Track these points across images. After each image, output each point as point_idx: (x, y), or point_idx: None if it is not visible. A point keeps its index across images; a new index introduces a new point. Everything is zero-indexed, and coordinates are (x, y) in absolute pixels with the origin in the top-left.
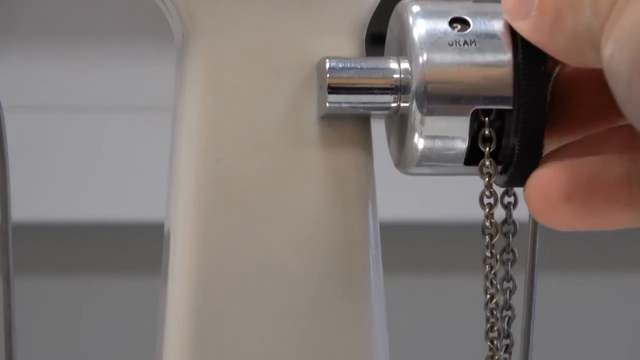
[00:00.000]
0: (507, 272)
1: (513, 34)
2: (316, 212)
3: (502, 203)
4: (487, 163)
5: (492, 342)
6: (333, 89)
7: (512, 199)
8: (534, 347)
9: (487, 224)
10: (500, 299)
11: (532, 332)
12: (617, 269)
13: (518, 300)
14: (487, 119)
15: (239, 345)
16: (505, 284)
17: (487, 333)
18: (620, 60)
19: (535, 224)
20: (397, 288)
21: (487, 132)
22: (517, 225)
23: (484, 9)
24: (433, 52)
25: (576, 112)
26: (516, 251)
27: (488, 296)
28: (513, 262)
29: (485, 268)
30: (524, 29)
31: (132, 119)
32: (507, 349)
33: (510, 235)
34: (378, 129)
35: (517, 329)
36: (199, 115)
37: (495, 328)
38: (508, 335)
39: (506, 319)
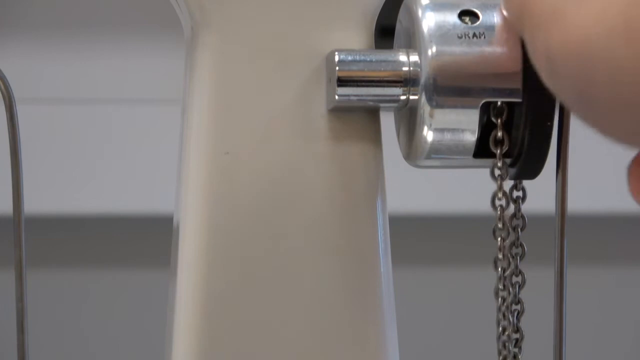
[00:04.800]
0: (516, 267)
1: None
2: (325, 204)
3: (510, 197)
4: (499, 164)
5: (503, 345)
6: (342, 82)
7: (520, 193)
8: (541, 343)
9: (499, 225)
10: (508, 302)
11: (564, 326)
12: (621, 263)
13: (533, 296)
14: (499, 120)
15: (248, 337)
16: (514, 279)
17: (499, 337)
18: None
19: (562, 218)
20: (407, 281)
21: (499, 134)
22: (526, 219)
23: (493, 1)
24: (442, 44)
25: None
26: (525, 245)
27: (500, 299)
28: (522, 256)
29: (497, 270)
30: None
31: (141, 112)
32: (517, 343)
33: (519, 230)
34: (387, 121)
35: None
36: (208, 108)
37: (507, 332)
38: (517, 330)
39: (515, 314)
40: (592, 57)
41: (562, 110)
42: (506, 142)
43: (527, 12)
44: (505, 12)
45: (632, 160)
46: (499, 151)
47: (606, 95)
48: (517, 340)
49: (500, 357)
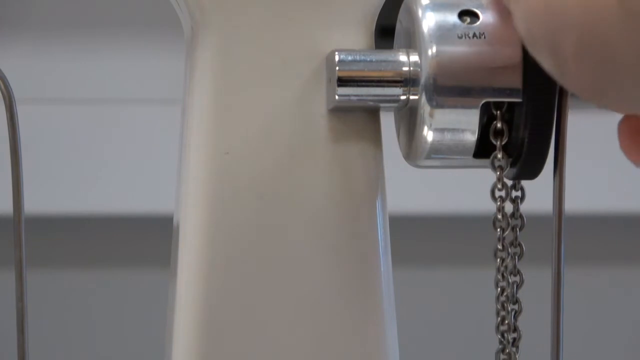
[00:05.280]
0: (514, 266)
1: None
2: (325, 205)
3: (509, 197)
4: (499, 156)
5: (502, 335)
6: (342, 82)
7: (519, 193)
8: (538, 343)
9: (499, 216)
10: (507, 292)
11: (561, 326)
12: (618, 263)
13: (531, 295)
14: (499, 112)
15: (248, 338)
16: (512, 278)
17: (497, 327)
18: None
19: (560, 218)
20: (406, 281)
21: (499, 125)
22: (525, 219)
23: (493, 1)
24: (442, 44)
25: None
26: (523, 245)
27: (499, 289)
28: (520, 255)
29: (497, 261)
30: None
31: (142, 111)
32: (515, 342)
33: (518, 229)
34: (387, 121)
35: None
36: (208, 108)
37: (506, 322)
38: (515, 329)
39: (513, 313)
40: (553, 15)
41: (560, 110)
42: (506, 132)
43: None
44: None
45: (622, 118)
46: (498, 142)
47: (570, 51)
48: (514, 339)
49: (500, 347)
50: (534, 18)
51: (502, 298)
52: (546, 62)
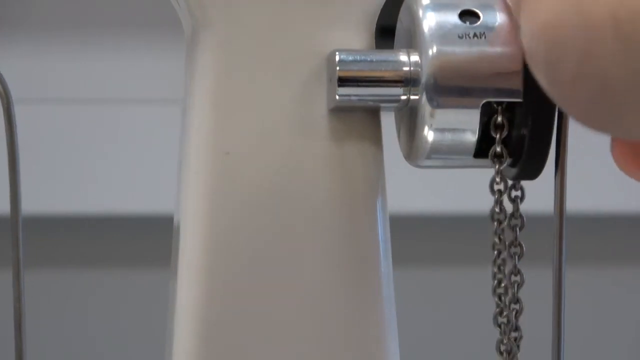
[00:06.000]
0: (514, 266)
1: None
2: (325, 205)
3: (509, 197)
4: (498, 149)
5: (500, 327)
6: (343, 82)
7: (519, 193)
8: (539, 343)
9: (497, 209)
10: (508, 292)
11: (562, 325)
12: (619, 263)
13: (532, 295)
14: (500, 107)
15: (249, 337)
16: (513, 278)
17: (495, 318)
18: (537, 54)
19: (561, 217)
20: (406, 281)
21: (499, 119)
22: (525, 219)
23: (493, 1)
24: (443, 44)
25: None
26: (524, 245)
27: (496, 281)
28: (520, 255)
29: (494, 253)
30: None
31: (142, 111)
32: (516, 341)
33: (518, 229)
34: (387, 121)
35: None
36: (209, 108)
37: (504, 313)
38: (517, 329)
39: (514, 312)
40: (554, 37)
41: (560, 110)
42: (506, 126)
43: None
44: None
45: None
46: (498, 136)
47: (566, 74)
48: (515, 339)
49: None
50: (535, 37)
51: (500, 290)
52: (543, 82)
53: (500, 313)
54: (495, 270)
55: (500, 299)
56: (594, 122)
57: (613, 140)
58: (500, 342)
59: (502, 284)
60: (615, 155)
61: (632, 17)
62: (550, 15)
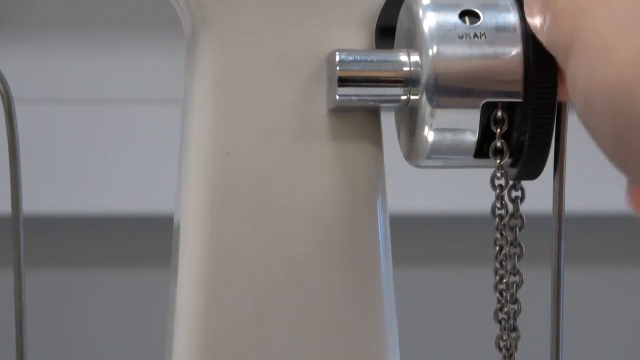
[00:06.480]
0: (514, 266)
1: (523, 27)
2: (326, 204)
3: (509, 197)
4: (499, 144)
5: (500, 322)
6: (343, 82)
7: (519, 193)
8: (538, 343)
9: (498, 204)
10: (509, 289)
11: (561, 325)
12: (618, 263)
13: (531, 295)
14: (499, 130)
15: (249, 337)
16: (512, 278)
17: (496, 314)
18: (598, 116)
19: (560, 217)
20: (406, 281)
21: (499, 113)
22: (524, 219)
23: (493, 2)
24: (443, 44)
25: None
26: (523, 245)
27: (497, 277)
28: (520, 256)
29: (495, 249)
30: (537, 25)
31: (142, 111)
32: (514, 341)
33: (517, 229)
34: (387, 121)
35: (535, 324)
36: (209, 108)
37: (505, 309)
38: (514, 329)
39: (512, 312)
40: (630, 97)
41: (560, 111)
42: (506, 121)
43: (577, 41)
44: (548, 36)
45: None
46: (498, 131)
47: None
48: (513, 339)
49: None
50: (600, 94)
51: (501, 286)
52: (599, 137)
53: (501, 309)
54: (497, 265)
55: (501, 294)
56: (624, 169)
57: (630, 185)
58: (500, 337)
59: (504, 280)
60: (631, 199)
61: None
62: (629, 72)
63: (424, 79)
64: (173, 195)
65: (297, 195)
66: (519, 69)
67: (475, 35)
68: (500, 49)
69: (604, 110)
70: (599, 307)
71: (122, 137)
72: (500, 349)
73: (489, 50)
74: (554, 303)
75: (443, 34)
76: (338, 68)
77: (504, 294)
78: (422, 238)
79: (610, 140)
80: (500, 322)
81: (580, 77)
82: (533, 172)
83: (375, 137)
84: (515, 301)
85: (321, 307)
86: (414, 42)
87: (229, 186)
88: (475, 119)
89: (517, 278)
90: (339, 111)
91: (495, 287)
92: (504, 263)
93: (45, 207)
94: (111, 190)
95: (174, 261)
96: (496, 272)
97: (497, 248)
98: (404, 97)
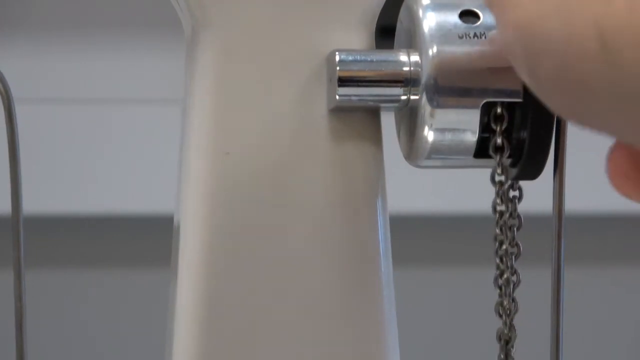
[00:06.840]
0: (511, 266)
1: None
2: (326, 204)
3: (507, 197)
4: (499, 141)
5: (502, 317)
6: (343, 82)
7: (517, 193)
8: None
9: (498, 200)
10: (507, 287)
11: (561, 326)
12: (618, 263)
13: (530, 295)
14: (498, 127)
15: (249, 337)
16: (510, 277)
17: (496, 308)
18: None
19: (560, 217)
20: (406, 281)
21: (499, 110)
22: (522, 219)
23: None
24: (443, 44)
25: None
26: (521, 245)
27: (498, 272)
28: (517, 256)
29: (495, 244)
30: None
31: (142, 111)
32: (510, 342)
33: (515, 229)
34: (388, 121)
35: (534, 324)
36: (209, 108)
37: (505, 304)
38: (511, 329)
39: (509, 312)
40: (533, 38)
41: None
42: (506, 148)
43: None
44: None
45: (612, 147)
46: (498, 128)
47: (549, 75)
48: (510, 339)
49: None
50: (513, 33)
51: (501, 281)
52: (522, 76)
53: (502, 304)
54: (498, 261)
55: (501, 289)
56: (574, 117)
57: (609, 161)
58: (501, 332)
59: (504, 276)
60: (610, 175)
61: (617, 31)
62: (530, 13)
63: (424, 79)
64: (173, 195)
65: (296, 195)
66: None
67: (475, 35)
68: (500, 49)
69: (518, 53)
70: (599, 307)
71: (122, 137)
72: (500, 339)
73: (489, 50)
74: (554, 303)
75: (443, 34)
76: (338, 68)
77: (504, 289)
78: (422, 238)
79: (529, 74)
80: (501, 316)
81: (499, 24)
82: (533, 172)
83: (375, 137)
84: (512, 301)
85: (321, 307)
86: (414, 42)
87: (229, 186)
88: (475, 119)
89: (514, 278)
90: (339, 111)
91: (496, 281)
92: (504, 258)
93: (45, 207)
94: (111, 190)
95: (174, 261)
96: (497, 267)
97: (497, 243)
98: (404, 97)
